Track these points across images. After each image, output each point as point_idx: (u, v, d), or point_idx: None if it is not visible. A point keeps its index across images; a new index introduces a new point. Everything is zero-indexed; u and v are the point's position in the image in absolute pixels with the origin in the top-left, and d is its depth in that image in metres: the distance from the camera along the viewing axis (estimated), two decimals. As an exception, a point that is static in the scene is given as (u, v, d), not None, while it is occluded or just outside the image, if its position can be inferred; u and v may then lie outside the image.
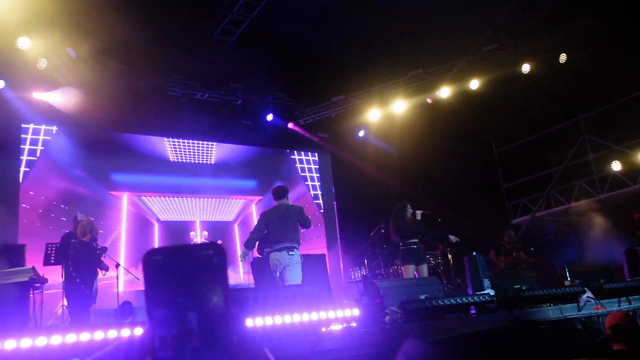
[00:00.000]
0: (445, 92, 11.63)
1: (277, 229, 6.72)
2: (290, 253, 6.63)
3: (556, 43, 10.98)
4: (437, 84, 11.56)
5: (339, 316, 5.20)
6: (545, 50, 11.14)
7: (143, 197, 11.59)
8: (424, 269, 7.95)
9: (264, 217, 6.99)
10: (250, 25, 9.68)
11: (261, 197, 12.88)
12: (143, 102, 10.58)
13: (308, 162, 13.52)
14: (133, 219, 11.37)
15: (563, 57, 11.02)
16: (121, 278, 8.30)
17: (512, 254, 10.49)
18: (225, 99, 11.23)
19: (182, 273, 0.72)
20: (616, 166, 11.67)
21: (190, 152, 12.12)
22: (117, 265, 8.07)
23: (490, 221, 12.51)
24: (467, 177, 12.46)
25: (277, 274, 6.71)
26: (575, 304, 6.17)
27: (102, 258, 7.23)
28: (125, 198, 11.37)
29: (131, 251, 10.83)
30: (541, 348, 5.32)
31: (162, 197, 11.78)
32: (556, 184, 12.82)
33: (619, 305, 6.37)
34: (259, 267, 8.94)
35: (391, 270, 10.04)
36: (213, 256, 0.73)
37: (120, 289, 8.30)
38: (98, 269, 7.07)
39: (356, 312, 5.35)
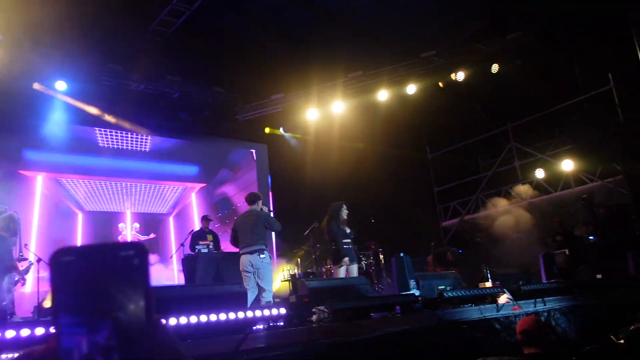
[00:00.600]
0: (383, 95, 11.84)
1: (248, 233, 7.07)
2: (261, 256, 6.98)
3: (489, 54, 11.43)
4: (376, 86, 11.76)
5: (266, 315, 5.20)
6: (479, 60, 11.56)
7: (63, 179, 10.45)
8: (354, 268, 8.05)
9: (235, 222, 7.49)
10: (191, 18, 9.50)
11: (204, 184, 12.42)
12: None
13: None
14: (49, 206, 10.13)
15: (495, 67, 11.48)
16: (31, 276, 7.48)
17: (448, 268, 10.89)
18: (162, 91, 10.95)
19: (96, 276, 0.62)
20: (540, 174, 12.27)
21: (122, 139, 11.46)
22: (39, 261, 7.65)
23: (421, 223, 12.86)
24: (401, 179, 12.75)
25: (247, 274, 6.98)
26: (495, 305, 6.37)
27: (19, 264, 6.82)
28: (39, 180, 10.15)
29: (46, 244, 9.51)
30: (462, 347, 5.45)
31: (86, 181, 10.76)
32: (484, 189, 13.34)
33: (535, 306, 6.62)
34: (190, 265, 8.80)
35: (324, 270, 10.11)
36: (133, 257, 0.63)
37: (29, 289, 7.74)
38: (16, 274, 6.65)
39: (283, 311, 5.37)
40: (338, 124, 12.15)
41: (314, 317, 5.52)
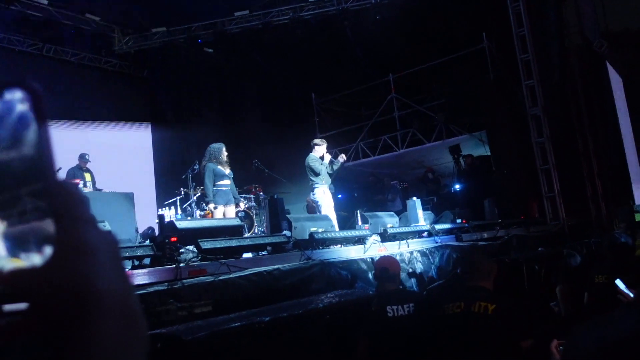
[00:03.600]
0: (271, 39, 11.63)
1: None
2: None
3: (376, 4, 11.56)
4: (264, 29, 11.51)
5: (130, 254, 5.10)
6: (366, 9, 11.66)
7: None
8: (232, 210, 8.11)
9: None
10: None
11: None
12: None
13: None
14: None
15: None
16: None
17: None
18: (24, 12, 9.89)
19: None
20: (416, 125, 12.87)
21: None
22: None
23: (304, 167, 13.06)
24: (285, 125, 12.79)
25: None
26: (362, 246, 6.69)
27: None
28: None
29: None
30: (328, 285, 5.67)
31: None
32: (365, 137, 13.79)
33: (399, 248, 7.03)
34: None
35: (203, 213, 10.00)
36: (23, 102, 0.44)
37: None
38: None
39: (149, 250, 5.28)
40: (223, 65, 11.82)
41: (182, 257, 5.49)
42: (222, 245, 5.62)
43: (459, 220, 9.23)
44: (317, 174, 8.51)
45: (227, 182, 8.05)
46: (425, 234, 8.24)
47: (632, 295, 2.99)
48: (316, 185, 8.50)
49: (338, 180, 14.03)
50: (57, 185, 0.44)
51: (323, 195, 8.47)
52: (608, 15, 9.72)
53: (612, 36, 9.56)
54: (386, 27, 11.45)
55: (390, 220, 8.69)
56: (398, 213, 9.79)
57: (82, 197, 0.46)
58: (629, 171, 10.13)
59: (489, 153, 11.32)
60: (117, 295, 0.44)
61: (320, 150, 8.61)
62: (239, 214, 9.44)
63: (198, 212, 10.14)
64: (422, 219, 9.28)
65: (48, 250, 0.41)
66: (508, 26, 10.67)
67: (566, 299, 5.28)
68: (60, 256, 0.41)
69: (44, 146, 0.44)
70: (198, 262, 5.24)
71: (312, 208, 11.49)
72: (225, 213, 8.02)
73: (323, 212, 8.40)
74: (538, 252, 7.94)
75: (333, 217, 8.33)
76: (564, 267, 6.84)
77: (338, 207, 11.98)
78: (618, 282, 3.27)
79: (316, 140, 8.78)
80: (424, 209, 10.00)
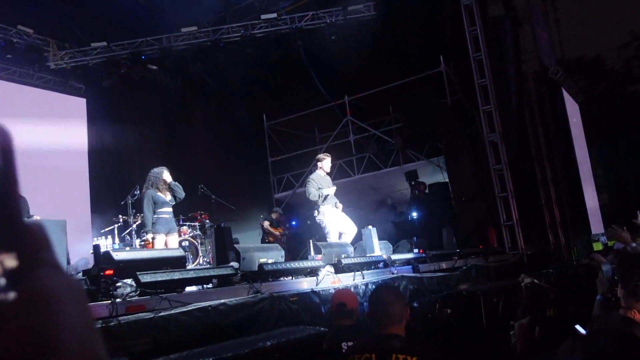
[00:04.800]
0: (220, 57, 11.22)
1: None
2: None
3: (331, 24, 11.34)
4: (212, 46, 11.06)
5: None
6: (321, 29, 11.43)
7: None
8: (174, 239, 7.61)
9: None
10: None
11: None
12: None
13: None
14: None
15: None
16: None
17: (280, 227, 11.07)
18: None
19: None
20: (372, 149, 12.57)
21: None
22: None
23: (253, 194, 12.61)
24: (234, 148, 12.32)
25: None
26: (315, 278, 6.25)
27: None
28: None
29: None
30: (278, 320, 5.27)
31: None
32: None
33: (354, 279, 6.71)
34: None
35: (143, 243, 9.32)
36: None
37: None
38: None
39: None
40: (169, 84, 11.26)
41: (119, 291, 4.96)
42: (163, 279, 5.17)
43: (416, 250, 8.95)
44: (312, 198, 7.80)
45: (169, 209, 7.56)
46: (382, 264, 7.86)
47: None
48: (319, 206, 7.81)
49: (289, 207, 13.58)
50: (21, 228, 0.44)
51: (325, 216, 7.85)
52: (564, 43, 9.83)
53: (568, 63, 9.62)
54: (341, 48, 11.20)
55: (344, 250, 8.30)
56: (352, 242, 9.41)
57: (47, 241, 0.46)
58: (584, 199, 10.11)
59: (446, 179, 11.12)
60: (81, 342, 0.42)
61: (324, 166, 7.88)
62: (183, 244, 8.89)
63: (137, 242, 9.57)
64: (378, 249, 8.94)
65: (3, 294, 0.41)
66: (465, 50, 10.57)
67: (523, 335, 5.04)
68: (22, 302, 0.41)
69: (5, 187, 0.45)
70: (136, 297, 4.81)
71: (269, 235, 11.01)
72: (167, 242, 7.51)
73: (331, 236, 7.92)
74: (496, 284, 7.75)
75: (350, 232, 8.06)
76: (524, 302, 6.65)
77: (291, 236, 11.52)
78: (578, 327, 3.11)
79: (319, 156, 7.98)
80: (380, 238, 9.66)
